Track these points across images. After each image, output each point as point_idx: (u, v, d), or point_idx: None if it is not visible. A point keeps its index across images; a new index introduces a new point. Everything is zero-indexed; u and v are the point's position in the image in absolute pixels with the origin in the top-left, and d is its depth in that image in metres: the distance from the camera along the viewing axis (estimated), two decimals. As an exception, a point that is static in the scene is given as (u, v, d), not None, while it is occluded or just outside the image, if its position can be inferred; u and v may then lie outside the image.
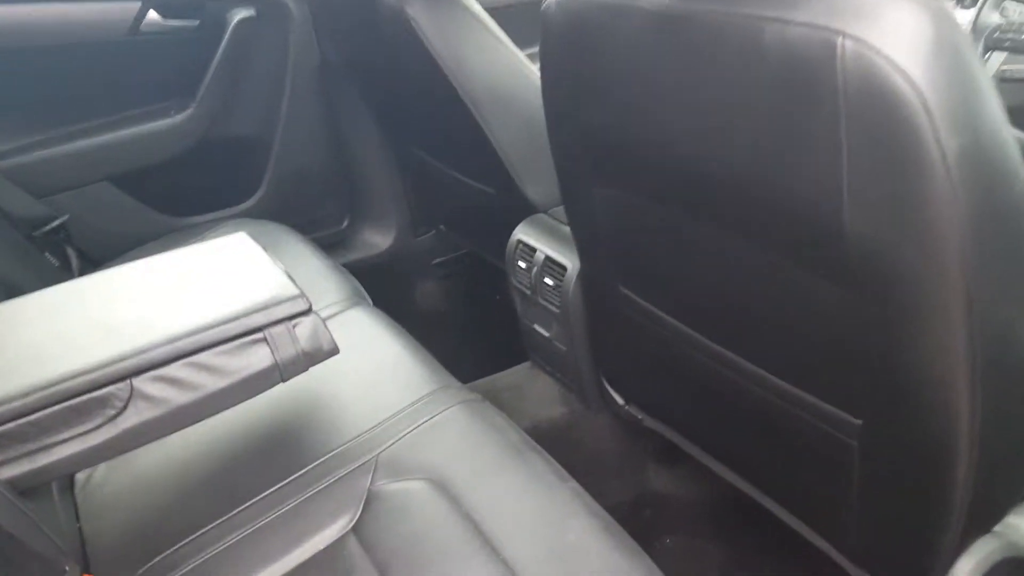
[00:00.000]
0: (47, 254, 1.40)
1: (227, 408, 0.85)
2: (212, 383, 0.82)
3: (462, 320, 1.78)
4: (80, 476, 0.99)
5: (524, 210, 1.29)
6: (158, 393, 0.80)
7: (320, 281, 1.26)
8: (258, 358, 0.85)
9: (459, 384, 1.05)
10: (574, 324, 1.20)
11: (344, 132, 1.67)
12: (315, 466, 0.93)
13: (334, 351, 0.90)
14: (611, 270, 1.02)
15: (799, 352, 0.75)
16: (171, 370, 0.81)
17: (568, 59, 0.83)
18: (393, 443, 0.94)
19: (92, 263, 1.46)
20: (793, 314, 0.73)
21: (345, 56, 1.55)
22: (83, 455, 0.78)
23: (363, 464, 0.92)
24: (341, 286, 1.25)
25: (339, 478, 0.91)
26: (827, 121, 0.57)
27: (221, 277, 0.91)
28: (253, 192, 1.63)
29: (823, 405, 0.76)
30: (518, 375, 1.45)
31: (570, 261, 1.18)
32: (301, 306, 0.87)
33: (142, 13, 1.42)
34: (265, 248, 1.38)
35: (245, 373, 0.84)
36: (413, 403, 1.00)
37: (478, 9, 1.20)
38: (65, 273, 1.42)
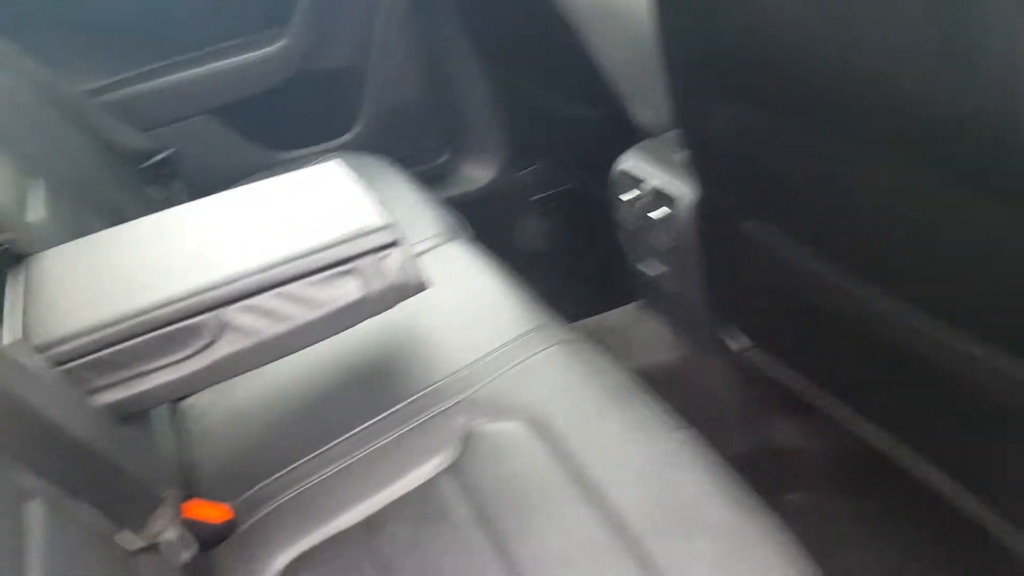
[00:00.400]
0: (154, 187, 1.42)
1: (318, 341, 0.82)
2: (301, 315, 0.79)
3: (564, 258, 1.70)
4: (184, 404, 0.99)
5: (630, 136, 1.19)
6: (249, 323, 0.78)
7: (418, 214, 1.21)
8: (346, 290, 0.81)
9: (558, 323, 0.98)
10: (688, 261, 1.11)
11: (441, 61, 1.60)
12: (409, 403, 0.89)
13: (422, 286, 0.85)
14: (734, 200, 0.92)
15: (963, 288, 0.64)
16: (261, 300, 0.78)
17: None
18: (489, 382, 0.89)
19: (197, 197, 1.47)
20: (956, 243, 0.61)
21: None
22: (177, 383, 0.76)
23: (458, 403, 0.87)
24: (440, 219, 1.20)
25: (433, 416, 0.87)
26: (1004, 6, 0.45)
27: (312, 207, 0.87)
28: (352, 125, 1.59)
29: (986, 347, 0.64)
30: (624, 316, 1.36)
31: (682, 192, 1.08)
32: (389, 237, 0.82)
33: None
34: (370, 182, 1.36)
35: (334, 305, 0.80)
36: (511, 341, 0.94)
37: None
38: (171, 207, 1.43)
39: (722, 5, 0.72)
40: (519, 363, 0.91)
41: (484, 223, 1.56)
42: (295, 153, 1.55)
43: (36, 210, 1.05)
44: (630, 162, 1.18)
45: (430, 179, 1.63)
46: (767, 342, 1.07)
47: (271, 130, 1.54)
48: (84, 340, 0.72)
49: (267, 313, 0.78)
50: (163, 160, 1.43)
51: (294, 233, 0.82)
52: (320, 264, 0.79)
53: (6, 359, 0.64)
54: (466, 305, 1.00)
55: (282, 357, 0.82)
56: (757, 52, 0.71)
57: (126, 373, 0.75)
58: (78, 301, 0.76)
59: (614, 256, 1.30)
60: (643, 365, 1.31)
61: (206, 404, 0.97)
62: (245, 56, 1.48)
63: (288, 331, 0.79)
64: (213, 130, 1.48)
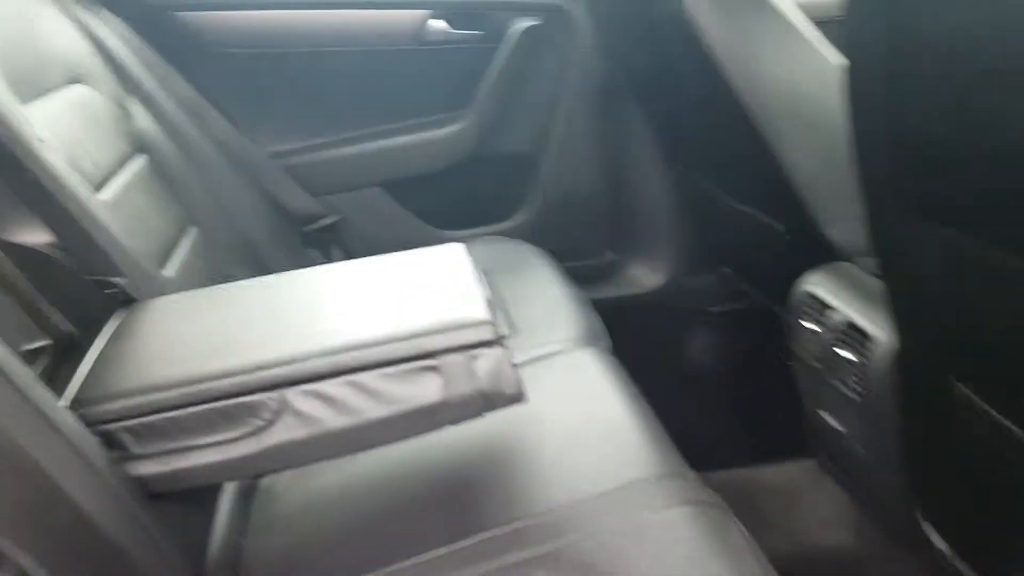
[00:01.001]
0: (315, 251, 1.42)
1: (387, 442, 0.71)
2: (371, 409, 0.68)
3: (725, 386, 1.47)
4: (262, 483, 0.92)
5: (821, 254, 0.99)
6: (310, 410, 0.68)
7: (554, 313, 1.08)
8: (426, 389, 0.69)
9: (693, 475, 0.79)
10: (882, 422, 0.87)
11: (620, 155, 1.50)
12: (486, 538, 0.74)
13: (518, 398, 0.71)
14: (942, 351, 0.70)
15: None
16: (326, 387, 0.68)
17: (882, 34, 0.56)
18: (587, 537, 0.72)
19: (352, 266, 1.46)
20: None
21: (629, 70, 1.38)
22: (222, 466, 0.68)
23: (544, 555, 0.71)
24: (576, 322, 1.06)
25: (509, 563, 0.71)
26: None
27: (412, 289, 0.78)
28: (516, 211, 1.52)
29: None
30: (791, 475, 1.12)
31: (880, 330, 0.86)
32: (486, 335, 0.70)
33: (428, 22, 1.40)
34: (511, 271, 1.27)
35: (409, 404, 0.69)
36: (626, 487, 0.76)
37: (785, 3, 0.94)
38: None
39: (929, 105, 0.54)
40: (631, 520, 0.73)
41: (640, 331, 1.40)
42: (456, 233, 1.51)
43: (179, 256, 1.06)
44: (817, 283, 0.97)
45: (589, 277, 1.51)
46: (978, 549, 0.80)
47: (436, 208, 1.51)
48: (128, 402, 0.66)
49: (332, 402, 0.68)
50: (328, 226, 1.43)
51: (382, 315, 0.72)
52: (398, 355, 0.69)
53: (35, 410, 0.58)
54: (581, 429, 0.85)
55: (344, 455, 0.71)
56: (975, 163, 0.52)
57: (168, 445, 0.67)
58: (141, 358, 0.71)
59: (786, 395, 1.08)
60: (807, 547, 1.06)
61: (281, 489, 0.89)
62: (422, 135, 1.48)
63: (353, 426, 0.68)
64: (380, 202, 1.48)
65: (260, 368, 0.68)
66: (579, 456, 0.81)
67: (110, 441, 0.66)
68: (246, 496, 0.89)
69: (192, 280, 1.04)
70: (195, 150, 1.24)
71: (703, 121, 1.13)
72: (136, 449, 0.67)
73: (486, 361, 0.70)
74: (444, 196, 1.50)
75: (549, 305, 1.10)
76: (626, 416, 0.86)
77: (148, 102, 1.18)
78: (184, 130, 1.23)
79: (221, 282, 0.99)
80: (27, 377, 0.58)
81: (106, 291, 0.85)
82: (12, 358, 0.58)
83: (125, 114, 1.13)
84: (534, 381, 0.92)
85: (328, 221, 1.43)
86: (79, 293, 0.83)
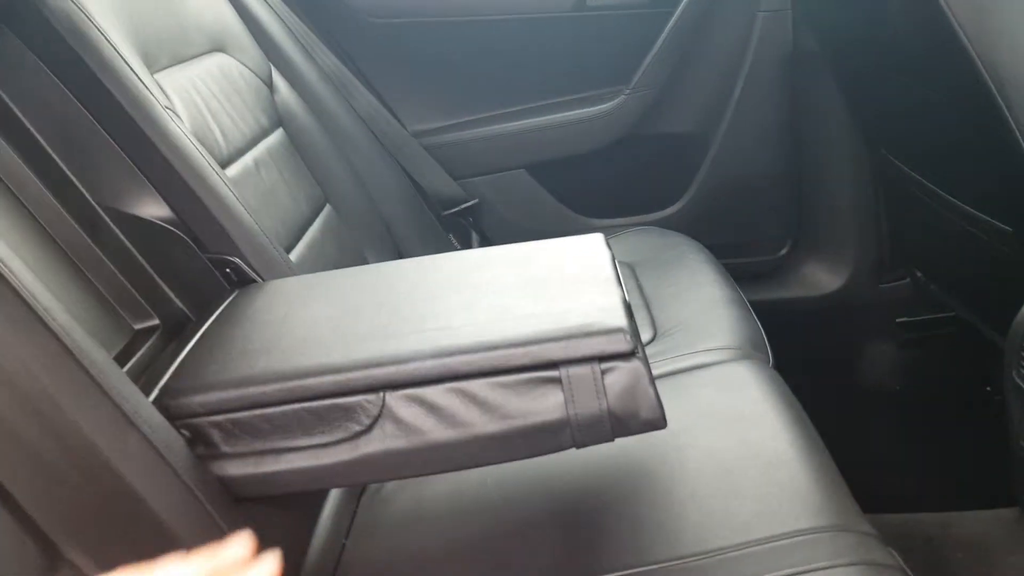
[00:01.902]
0: (451, 235, 1.35)
1: (496, 461, 0.61)
2: (480, 423, 0.58)
3: (910, 413, 1.24)
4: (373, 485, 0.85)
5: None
6: (411, 418, 0.59)
7: (709, 317, 0.93)
8: (545, 404, 0.58)
9: (868, 528, 0.64)
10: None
11: (807, 136, 1.29)
12: (613, 581, 0.63)
13: (657, 423, 0.58)
14: None
15: None
16: (431, 392, 0.59)
17: None
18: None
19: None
20: None
21: (824, 35, 1.18)
22: (313, 473, 0.60)
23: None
24: (734, 328, 0.91)
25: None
26: None
27: (537, 285, 0.66)
28: (676, 199, 1.37)
29: None
30: (987, 526, 0.91)
31: None
32: (619, 345, 0.57)
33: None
34: (662, 265, 1.13)
35: (525, 420, 0.58)
36: (784, 536, 0.62)
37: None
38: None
39: None
40: (783, 576, 0.59)
41: (812, 342, 1.21)
42: (606, 222, 1.38)
43: (309, 236, 1.02)
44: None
45: (757, 276, 1.33)
46: None
47: (585, 194, 1.38)
48: (220, 395, 0.60)
49: (435, 410, 0.59)
50: (466, 209, 1.35)
51: (501, 315, 0.62)
52: (514, 362, 0.58)
53: (109, 402, 0.53)
54: (733, 460, 0.70)
55: (448, 471, 0.62)
56: None
57: (259, 445, 0.61)
58: (241, 347, 0.65)
59: (987, 428, 0.88)
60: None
61: (390, 491, 0.81)
62: (576, 113, 1.34)
63: (458, 440, 0.59)
64: (524, 186, 1.37)
65: (359, 367, 0.59)
66: (728, 494, 0.67)
67: (197, 437, 0.61)
68: (354, 495, 0.83)
69: (320, 262, 0.99)
70: (336, 125, 1.19)
71: (919, 96, 0.92)
72: (225, 447, 0.61)
73: (619, 376, 0.57)
74: (595, 181, 1.37)
75: (703, 307, 0.96)
76: (789, 447, 0.70)
77: (291, 73, 1.15)
78: (326, 103, 1.19)
79: (352, 265, 0.93)
80: (104, 364, 0.53)
81: (223, 271, 0.81)
82: (90, 343, 0.53)
83: (266, 86, 1.09)
84: (679, 397, 0.79)
85: (466, 205, 1.35)
86: (194, 272, 0.79)
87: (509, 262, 0.73)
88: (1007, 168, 0.79)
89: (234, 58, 1.04)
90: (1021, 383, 0.79)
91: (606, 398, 0.57)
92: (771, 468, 0.67)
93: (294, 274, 0.84)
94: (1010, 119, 0.75)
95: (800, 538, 0.62)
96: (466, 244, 1.36)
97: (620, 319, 0.59)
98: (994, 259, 0.91)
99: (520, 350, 0.58)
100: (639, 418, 0.58)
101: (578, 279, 0.66)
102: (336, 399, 0.60)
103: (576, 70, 1.36)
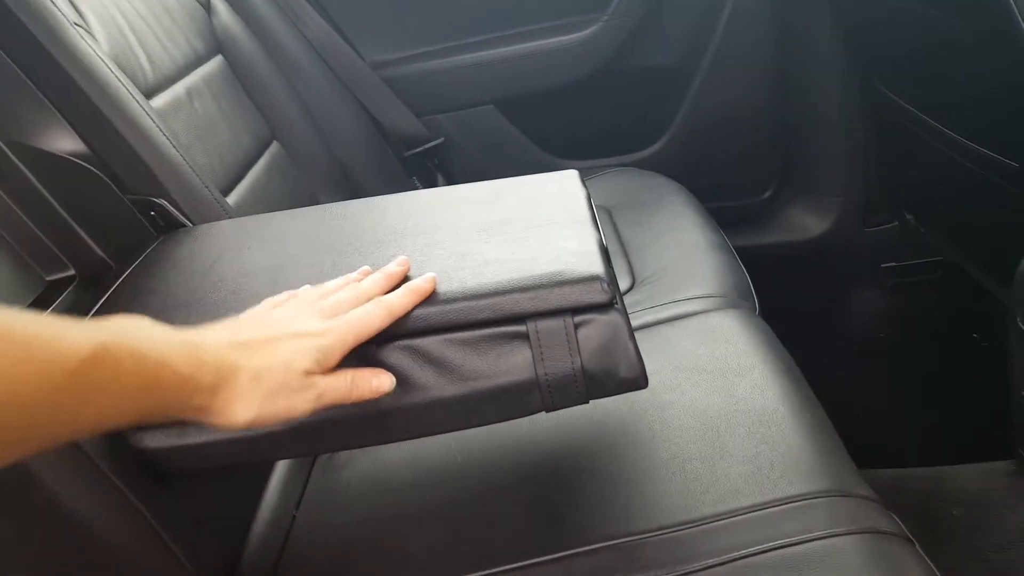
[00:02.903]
0: (415, 178, 1.25)
1: (457, 428, 0.54)
2: (436, 385, 0.51)
3: (904, 364, 1.19)
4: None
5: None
6: (356, 382, 0.51)
7: (691, 263, 0.86)
8: (510, 363, 0.51)
9: (866, 491, 0.58)
10: None
11: (797, 70, 1.20)
12: (585, 555, 0.56)
13: (637, 381, 0.51)
14: None
15: None
16: (379, 352, 0.51)
17: None
18: (718, 564, 0.53)
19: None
20: None
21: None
22: (242, 444, 0.52)
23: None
24: (718, 275, 0.83)
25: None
26: None
27: (502, 229, 0.58)
28: (656, 139, 1.28)
29: None
30: (989, 479, 0.87)
31: None
32: (594, 295, 0.50)
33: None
34: (642, 208, 1.05)
35: (488, 382, 0.51)
36: (773, 503, 0.56)
37: None
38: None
39: None
40: (783, 548, 0.53)
41: (799, 288, 1.15)
42: (582, 163, 1.28)
43: (252, 176, 0.92)
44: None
45: (741, 220, 1.26)
46: None
47: (559, 133, 1.29)
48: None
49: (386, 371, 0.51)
50: (431, 149, 1.26)
51: (459, 263, 0.54)
52: (473, 317, 0.50)
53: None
54: (721, 420, 0.63)
55: (401, 440, 0.55)
56: None
57: (185, 412, 0.53)
58: (158, 301, 0.57)
59: (981, 379, 0.82)
60: (1000, 571, 0.81)
61: (345, 457, 0.74)
62: (547, 42, 1.24)
63: (410, 405, 0.51)
64: (493, 124, 1.27)
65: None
66: (715, 456, 0.60)
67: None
68: (306, 463, 0.76)
69: (264, 205, 0.90)
70: (284, 53, 1.08)
71: (922, 20, 0.84)
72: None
73: (594, 330, 0.50)
74: (570, 118, 1.28)
75: (685, 253, 0.89)
76: (780, 403, 0.64)
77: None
78: (272, 28, 1.07)
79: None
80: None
81: (147, 214, 0.72)
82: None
83: (202, 7, 0.98)
84: (661, 350, 0.72)
85: (430, 144, 1.26)
86: (114, 216, 0.70)
87: (472, 202, 0.65)
88: (1020, 97, 0.72)
89: (164, -25, 0.93)
90: (1020, 338, 0.73)
91: (580, 355, 0.50)
92: (761, 426, 0.61)
93: (230, 218, 0.75)
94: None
95: (794, 504, 0.56)
96: (431, 187, 1.27)
97: (596, 265, 0.51)
98: (995, 199, 0.85)
99: (481, 302, 0.50)
100: (617, 377, 0.51)
101: (549, 221, 0.59)
102: (269, 360, 0.52)
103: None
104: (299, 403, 0.44)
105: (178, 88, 0.84)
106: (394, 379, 0.48)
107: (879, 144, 1.16)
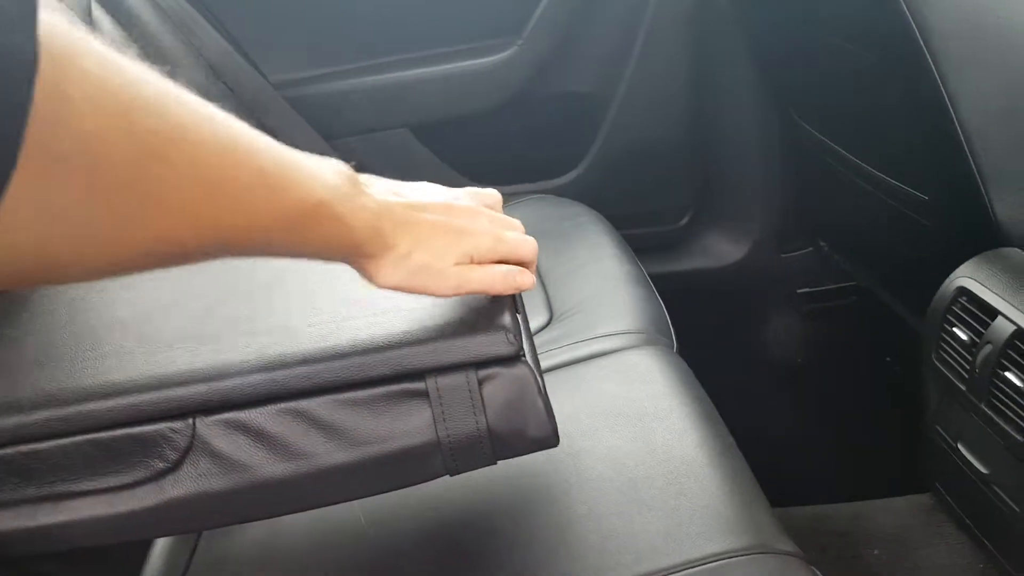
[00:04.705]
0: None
1: (350, 498, 0.49)
2: (325, 451, 0.46)
3: (820, 392, 1.20)
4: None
5: (978, 238, 0.72)
6: (232, 451, 0.46)
7: (609, 297, 0.83)
8: (408, 425, 0.46)
9: (788, 546, 0.55)
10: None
11: (711, 97, 1.20)
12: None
13: (548, 440, 0.47)
14: None
15: None
16: (257, 416, 0.46)
17: None
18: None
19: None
20: None
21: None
22: (104, 524, 0.46)
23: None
24: (637, 312, 0.80)
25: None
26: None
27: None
28: (573, 166, 1.26)
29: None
30: (906, 515, 0.86)
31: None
32: (500, 347, 0.45)
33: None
34: (558, 238, 1.01)
35: (384, 446, 0.46)
36: (688, 565, 0.53)
37: None
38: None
39: None
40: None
41: (718, 314, 1.14)
42: (499, 189, 1.24)
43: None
44: (976, 276, 0.70)
45: (658, 247, 1.24)
46: None
47: (474, 158, 1.25)
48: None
49: (264, 439, 0.46)
50: (341, 174, 1.20)
51: (350, 313, 0.49)
52: (367, 373, 0.45)
53: None
54: (637, 468, 0.60)
55: (285, 514, 0.49)
56: None
57: (34, 491, 0.46)
58: (2, 358, 0.49)
59: (904, 410, 0.82)
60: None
61: (230, 527, 0.67)
62: (461, 65, 1.20)
63: (296, 476, 0.46)
64: (407, 147, 1.23)
65: (160, 384, 0.45)
66: (632, 511, 0.57)
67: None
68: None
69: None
70: (178, 73, 1.00)
71: (835, 52, 0.84)
72: (-13, 493, 0.46)
73: (500, 386, 0.46)
74: (485, 143, 1.24)
75: (604, 286, 0.85)
76: (698, 450, 0.61)
77: (116, 9, 0.95)
78: (164, 47, 1.00)
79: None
80: None
81: None
82: None
83: (84, 22, 0.90)
84: (577, 391, 0.69)
85: (343, 169, 1.20)
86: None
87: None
88: (928, 129, 0.72)
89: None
90: (941, 367, 0.73)
91: (485, 414, 0.46)
92: (679, 476, 0.58)
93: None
94: (936, 74, 0.68)
95: (714, 563, 0.53)
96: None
97: (503, 316, 0.47)
98: (907, 230, 0.85)
99: (375, 356, 0.45)
100: (526, 436, 0.46)
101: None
102: (130, 428, 0.45)
103: (462, 17, 1.22)
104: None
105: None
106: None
107: (795, 172, 1.16)
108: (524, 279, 0.48)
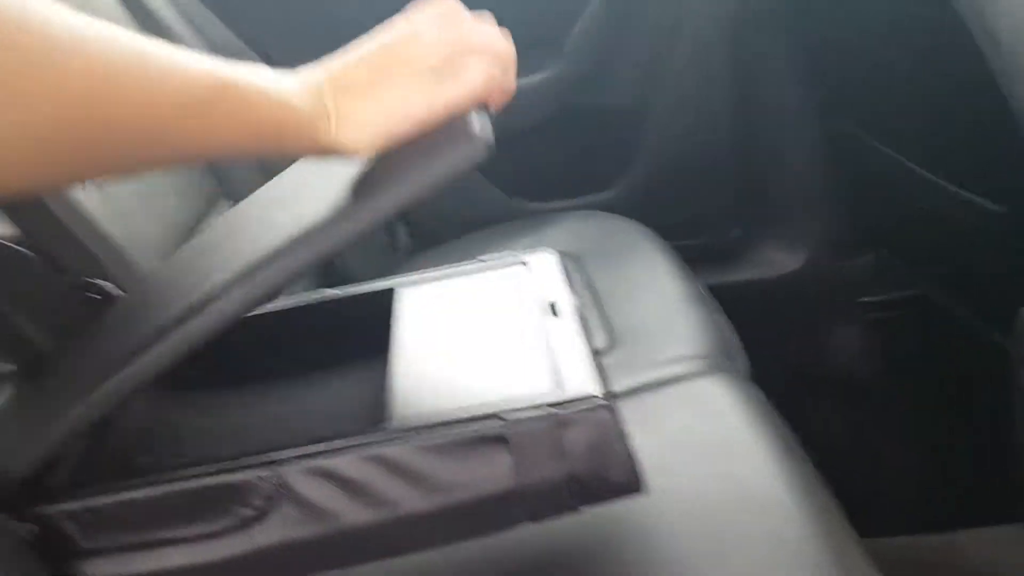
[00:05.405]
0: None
1: (431, 546, 0.48)
2: (408, 499, 0.46)
3: (895, 410, 1.16)
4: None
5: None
6: (318, 498, 0.46)
7: (671, 321, 0.82)
8: (491, 471, 0.46)
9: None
10: None
11: (757, 106, 1.18)
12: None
13: (632, 486, 0.47)
14: None
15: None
16: (342, 463, 0.46)
17: None
18: None
19: (421, 242, 1.23)
20: None
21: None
22: (195, 572, 0.47)
23: None
24: (702, 334, 0.79)
25: None
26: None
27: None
28: (618, 180, 1.24)
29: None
30: (996, 547, 0.83)
31: None
32: (584, 391, 0.45)
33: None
34: (609, 255, 1.00)
35: (466, 493, 0.46)
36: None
37: None
38: (390, 251, 1.21)
39: None
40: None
41: (780, 328, 1.11)
42: (542, 205, 1.25)
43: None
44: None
45: (709, 260, 1.22)
46: None
47: (518, 174, 1.24)
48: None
49: (349, 486, 0.46)
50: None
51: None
52: (446, 419, 0.46)
53: None
54: (719, 506, 0.58)
55: (369, 562, 0.49)
56: None
57: (128, 539, 0.47)
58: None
59: (996, 431, 0.79)
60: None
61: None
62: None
63: (380, 523, 0.46)
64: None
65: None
66: (718, 553, 0.55)
67: (47, 531, 0.47)
68: None
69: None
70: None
71: (899, 61, 0.82)
72: (83, 542, 0.47)
73: (582, 432, 0.46)
74: (526, 159, 1.23)
75: (664, 306, 0.84)
76: (781, 486, 0.59)
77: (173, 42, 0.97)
78: (175, 33, 1.01)
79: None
80: None
81: (86, 294, 0.65)
82: None
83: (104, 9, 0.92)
84: (647, 423, 0.67)
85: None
86: (53, 301, 0.64)
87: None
88: (1002, 140, 0.69)
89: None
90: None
91: (567, 460, 0.45)
92: (764, 515, 0.56)
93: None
94: (1005, 80, 0.65)
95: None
96: (391, 235, 1.22)
97: (585, 363, 0.47)
98: (979, 241, 0.82)
99: (453, 401, 0.46)
100: (610, 483, 0.46)
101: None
102: (219, 477, 0.46)
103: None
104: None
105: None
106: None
107: (850, 179, 1.14)
108: (507, 77, 0.46)
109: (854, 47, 0.92)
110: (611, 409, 0.46)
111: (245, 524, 0.46)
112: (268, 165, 1.05)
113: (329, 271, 1.07)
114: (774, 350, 0.99)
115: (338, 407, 0.51)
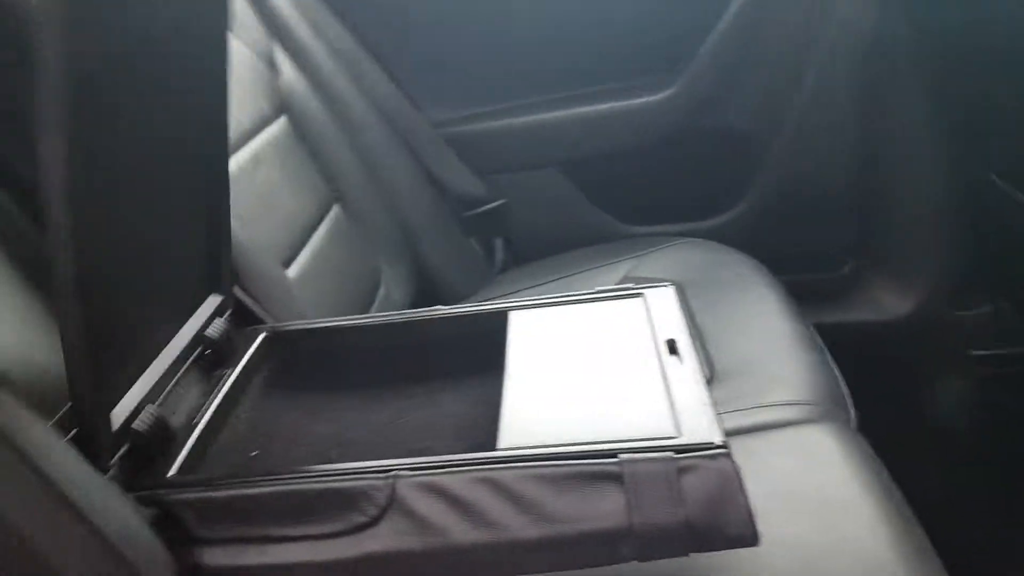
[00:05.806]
0: (473, 240, 1.22)
1: (534, 572, 0.48)
2: (516, 524, 0.46)
3: (1005, 471, 1.10)
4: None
5: None
6: (428, 513, 0.47)
7: (778, 362, 0.80)
8: (601, 507, 0.45)
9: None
10: None
11: (883, 140, 1.14)
12: None
13: (747, 538, 0.45)
14: None
15: None
16: (454, 482, 0.46)
17: None
18: None
19: (517, 258, 1.24)
20: None
21: (915, 23, 1.02)
22: (303, 570, 0.48)
23: None
24: (810, 380, 0.76)
25: None
26: None
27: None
28: (727, 207, 1.22)
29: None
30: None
31: None
32: (706, 438, 0.44)
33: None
34: (714, 286, 0.99)
35: (573, 527, 0.45)
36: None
37: None
38: (486, 265, 1.22)
39: None
40: None
41: (885, 376, 1.06)
42: (645, 229, 1.24)
43: (314, 243, 0.89)
44: None
45: (817, 298, 1.18)
46: None
47: (624, 196, 1.24)
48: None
49: (459, 505, 0.46)
50: (491, 210, 1.22)
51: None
52: (562, 451, 0.45)
53: (47, 479, 0.41)
54: (825, 563, 0.56)
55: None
56: None
57: (242, 531, 0.49)
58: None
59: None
60: None
61: None
62: (618, 104, 1.20)
63: (485, 544, 0.46)
64: (557, 186, 1.23)
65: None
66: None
67: (165, 516, 0.49)
68: None
69: (327, 275, 0.86)
70: (346, 109, 1.06)
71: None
72: (199, 530, 0.49)
73: (701, 480, 0.45)
74: (636, 182, 1.23)
75: (771, 346, 0.82)
76: (890, 548, 0.56)
77: (297, 51, 1.01)
78: (337, 87, 1.05)
79: (363, 276, 0.79)
80: (36, 431, 0.41)
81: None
82: (14, 406, 0.41)
83: (269, 67, 0.96)
84: (750, 467, 0.64)
85: (492, 206, 1.22)
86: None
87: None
88: None
89: (234, 35, 0.91)
90: None
91: (684, 506, 0.44)
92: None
93: (292, 298, 0.71)
94: None
95: None
96: (488, 249, 1.23)
97: (706, 405, 0.46)
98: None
99: (571, 434, 0.46)
100: (724, 533, 0.45)
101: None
102: (337, 482, 0.48)
103: (621, 55, 1.20)
104: None
105: (243, 155, 0.82)
106: None
107: (975, 223, 1.08)
108: None
109: (998, 87, 0.87)
110: (732, 458, 0.45)
111: (357, 529, 0.47)
112: (374, 168, 1.08)
113: (425, 275, 1.09)
114: (877, 397, 0.95)
115: (449, 424, 0.51)
